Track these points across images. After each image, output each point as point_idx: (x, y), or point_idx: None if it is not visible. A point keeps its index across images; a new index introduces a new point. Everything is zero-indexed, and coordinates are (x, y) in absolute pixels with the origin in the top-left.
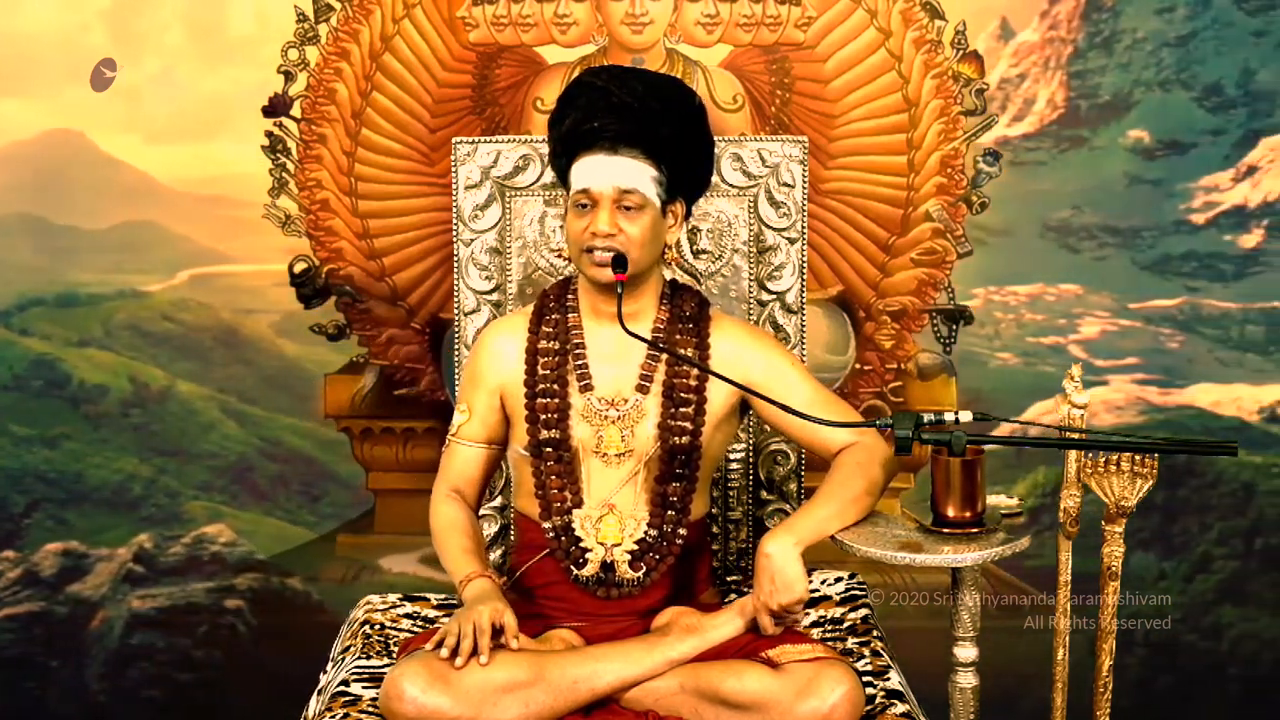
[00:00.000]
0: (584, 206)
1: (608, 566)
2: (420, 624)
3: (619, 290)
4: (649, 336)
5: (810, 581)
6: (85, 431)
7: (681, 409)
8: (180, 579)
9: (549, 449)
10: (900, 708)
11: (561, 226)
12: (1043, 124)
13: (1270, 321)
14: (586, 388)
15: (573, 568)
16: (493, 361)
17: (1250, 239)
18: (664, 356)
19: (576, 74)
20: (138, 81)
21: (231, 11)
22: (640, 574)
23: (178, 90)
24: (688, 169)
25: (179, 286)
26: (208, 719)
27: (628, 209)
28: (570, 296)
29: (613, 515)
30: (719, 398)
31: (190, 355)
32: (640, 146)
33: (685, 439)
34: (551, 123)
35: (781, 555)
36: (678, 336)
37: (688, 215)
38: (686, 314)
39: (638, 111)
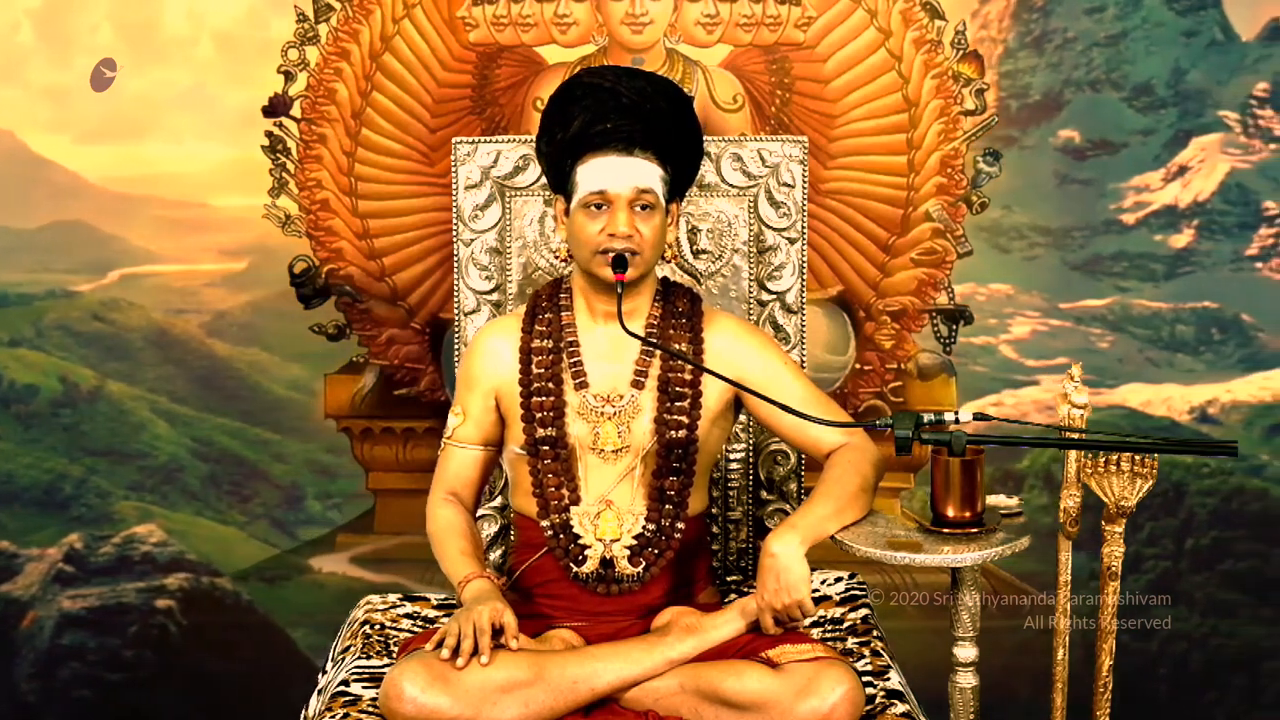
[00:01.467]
0: (598, 208)
1: (607, 563)
2: (420, 624)
3: (620, 290)
4: (643, 333)
5: (810, 582)
6: (15, 431)
7: (677, 403)
8: (111, 579)
9: (545, 447)
10: (900, 708)
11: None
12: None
13: (1200, 322)
14: (582, 385)
15: (572, 565)
16: (486, 363)
17: (1181, 239)
18: (658, 352)
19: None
20: (67, 81)
21: (162, 11)
22: (639, 569)
23: (108, 90)
24: (686, 168)
25: (109, 286)
26: (137, 719)
27: (642, 209)
28: (563, 296)
29: (610, 511)
30: (714, 392)
31: (121, 355)
32: (652, 148)
33: (682, 433)
34: (554, 124)
35: (787, 555)
36: (671, 333)
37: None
38: (680, 310)
39: (649, 112)
